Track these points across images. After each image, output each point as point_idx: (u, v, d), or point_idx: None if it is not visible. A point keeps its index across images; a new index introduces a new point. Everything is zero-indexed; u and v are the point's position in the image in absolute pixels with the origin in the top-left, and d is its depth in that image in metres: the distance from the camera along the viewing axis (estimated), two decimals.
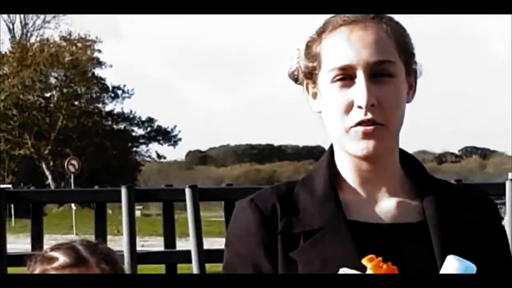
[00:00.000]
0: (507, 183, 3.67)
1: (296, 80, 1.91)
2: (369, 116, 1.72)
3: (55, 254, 2.20)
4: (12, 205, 18.94)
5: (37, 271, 2.20)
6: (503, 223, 1.99)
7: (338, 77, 1.76)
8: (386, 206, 1.82)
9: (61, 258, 2.18)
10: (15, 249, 3.99)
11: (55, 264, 2.17)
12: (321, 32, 1.82)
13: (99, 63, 53.41)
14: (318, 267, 1.66)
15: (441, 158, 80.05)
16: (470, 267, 1.59)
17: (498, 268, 1.80)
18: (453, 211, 1.69)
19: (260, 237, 1.79)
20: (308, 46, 1.84)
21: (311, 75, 1.84)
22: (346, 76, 1.75)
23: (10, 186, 33.79)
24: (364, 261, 1.57)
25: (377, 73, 1.74)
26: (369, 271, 1.56)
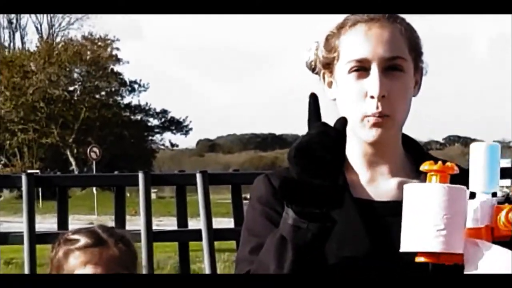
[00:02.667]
0: None
1: (313, 70, 1.93)
2: (380, 108, 1.76)
3: (77, 236, 2.23)
4: (40, 189, 18.97)
5: (61, 252, 2.22)
6: None
7: (354, 68, 1.79)
8: (388, 185, 1.86)
9: (83, 240, 2.20)
10: (43, 228, 3.99)
11: (78, 245, 2.19)
12: (340, 28, 1.84)
13: (118, 60, 53.36)
14: (334, 240, 1.65)
15: (426, 146, 79.81)
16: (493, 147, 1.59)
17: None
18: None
19: (270, 204, 1.83)
20: (328, 39, 1.86)
21: (328, 65, 1.87)
22: (362, 68, 1.78)
23: (38, 171, 33.80)
24: (426, 166, 1.58)
25: (389, 67, 1.78)
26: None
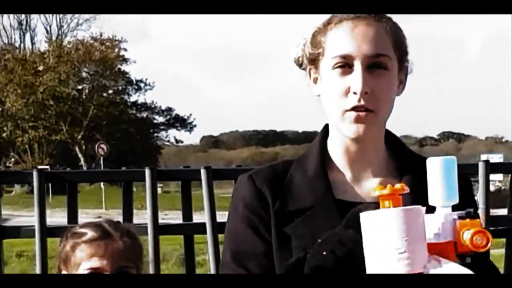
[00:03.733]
0: (480, 164, 3.65)
1: (300, 65, 1.90)
2: (362, 102, 1.72)
3: (84, 230, 2.23)
4: (50, 184, 18.99)
5: (68, 245, 2.22)
6: (476, 198, 1.98)
7: (338, 64, 1.75)
8: (370, 185, 1.80)
9: (90, 233, 2.20)
10: (53, 222, 3.98)
11: (84, 238, 2.19)
12: (327, 24, 1.81)
13: (125, 60, 53.38)
14: (309, 241, 1.64)
15: (422, 142, 79.85)
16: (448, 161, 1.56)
17: None
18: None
19: (252, 207, 1.80)
20: (314, 36, 1.83)
21: (314, 61, 1.83)
22: (346, 64, 1.74)
23: (48, 167, 33.84)
24: (377, 191, 1.53)
25: (373, 65, 1.74)
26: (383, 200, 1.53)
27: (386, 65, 1.75)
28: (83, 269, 2.17)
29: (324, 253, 1.50)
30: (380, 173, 1.84)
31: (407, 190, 1.51)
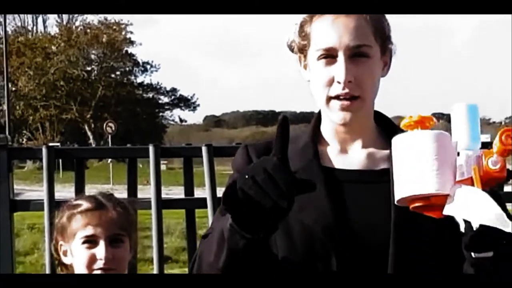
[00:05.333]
0: None
1: (292, 50, 1.90)
2: (346, 90, 1.73)
3: (79, 201, 2.27)
4: (60, 160, 19.00)
5: (65, 217, 2.26)
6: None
7: (322, 56, 1.76)
8: (357, 155, 1.83)
9: (85, 204, 2.24)
10: (63, 197, 3.98)
11: (80, 209, 2.23)
12: (312, 15, 1.81)
13: (131, 43, 53.32)
14: (296, 203, 1.54)
15: None
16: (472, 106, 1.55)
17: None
18: None
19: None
20: (301, 26, 1.83)
21: (302, 50, 1.84)
22: (329, 55, 1.75)
23: (58, 144, 33.85)
24: (407, 120, 1.53)
25: (355, 55, 1.74)
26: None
27: (368, 54, 1.76)
28: (79, 238, 2.20)
29: (246, 176, 1.44)
30: (369, 146, 1.84)
31: (435, 121, 1.52)
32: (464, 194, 1.47)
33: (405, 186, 1.49)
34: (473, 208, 1.45)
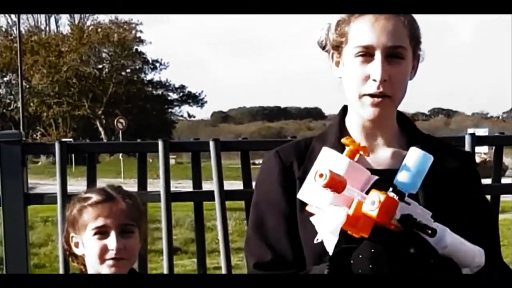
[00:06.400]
0: (466, 137, 3.63)
1: (323, 48, 1.92)
2: (381, 89, 1.76)
3: (89, 194, 2.27)
4: (73, 155, 19.03)
5: (75, 210, 2.26)
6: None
7: (360, 53, 1.79)
8: (383, 155, 1.87)
9: (94, 197, 2.24)
10: (76, 190, 3.98)
11: (90, 201, 2.24)
12: (351, 15, 1.83)
13: (141, 41, 53.37)
14: None
15: (414, 117, 79.80)
16: (427, 156, 1.60)
17: (475, 208, 1.82)
18: (436, 159, 1.66)
19: (280, 181, 1.85)
20: (339, 24, 1.85)
21: (337, 47, 1.86)
22: (367, 53, 1.78)
23: (71, 139, 33.90)
24: (343, 140, 1.63)
25: (391, 55, 1.77)
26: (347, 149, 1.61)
27: (403, 55, 1.79)
28: (90, 229, 2.21)
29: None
30: (391, 146, 1.88)
31: (365, 153, 1.61)
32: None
33: (307, 192, 1.60)
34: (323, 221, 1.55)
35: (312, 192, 1.58)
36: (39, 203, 3.66)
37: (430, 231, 1.52)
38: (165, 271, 3.46)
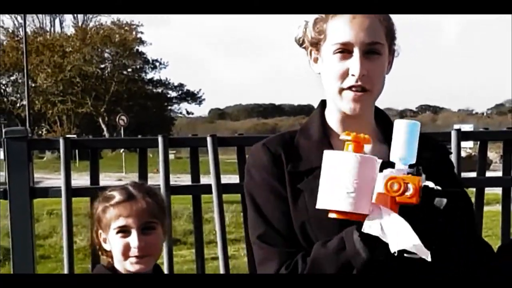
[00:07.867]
0: (453, 132, 3.63)
1: (300, 45, 1.92)
2: (359, 83, 1.77)
3: (112, 193, 2.26)
4: (77, 151, 18.98)
5: (100, 208, 2.26)
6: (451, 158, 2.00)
7: (339, 50, 1.79)
8: (365, 148, 1.83)
9: (117, 196, 2.24)
10: (79, 184, 3.97)
11: (112, 202, 2.23)
12: (328, 13, 1.83)
13: (142, 42, 53.34)
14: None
15: (402, 114, 79.88)
16: (413, 123, 1.58)
17: (452, 194, 1.81)
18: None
19: (271, 170, 1.84)
20: (316, 22, 1.85)
21: (316, 44, 1.86)
22: (345, 50, 1.78)
23: (75, 136, 33.86)
24: (343, 136, 1.57)
25: (369, 51, 1.77)
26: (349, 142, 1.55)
27: (380, 51, 1.79)
28: (113, 228, 2.21)
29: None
30: (372, 138, 1.85)
31: (369, 142, 1.56)
32: (383, 218, 1.49)
33: (326, 199, 1.52)
34: (393, 234, 1.48)
35: (337, 199, 1.51)
36: (44, 197, 3.64)
37: (446, 193, 1.53)
38: (165, 261, 3.46)
